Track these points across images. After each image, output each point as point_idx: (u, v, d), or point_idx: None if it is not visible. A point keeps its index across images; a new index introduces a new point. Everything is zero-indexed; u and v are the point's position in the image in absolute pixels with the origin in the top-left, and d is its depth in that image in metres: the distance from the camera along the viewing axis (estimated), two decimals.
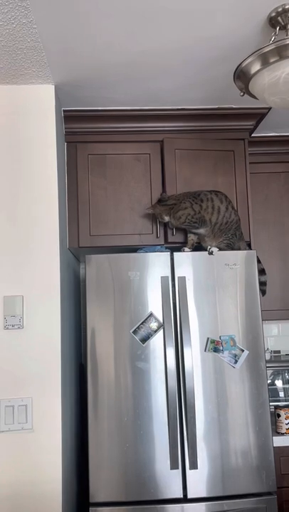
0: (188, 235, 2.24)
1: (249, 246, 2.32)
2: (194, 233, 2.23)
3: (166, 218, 2.22)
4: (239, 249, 2.20)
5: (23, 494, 1.83)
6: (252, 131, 2.44)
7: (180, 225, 2.20)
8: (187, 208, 2.17)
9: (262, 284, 2.16)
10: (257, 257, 2.13)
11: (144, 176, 2.34)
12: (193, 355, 2.00)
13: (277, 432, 2.21)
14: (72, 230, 2.28)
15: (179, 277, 2.07)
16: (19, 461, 1.85)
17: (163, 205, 2.21)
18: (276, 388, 2.67)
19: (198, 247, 2.24)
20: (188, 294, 2.05)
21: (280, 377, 2.68)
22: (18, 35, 1.71)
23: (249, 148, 2.44)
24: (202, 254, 2.11)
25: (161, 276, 2.06)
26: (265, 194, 2.65)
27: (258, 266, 2.13)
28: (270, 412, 2.03)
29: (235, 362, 2.02)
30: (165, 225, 2.31)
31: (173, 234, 2.29)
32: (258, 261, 2.14)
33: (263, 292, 2.19)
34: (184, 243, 2.26)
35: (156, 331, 2.02)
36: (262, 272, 2.19)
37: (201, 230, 2.20)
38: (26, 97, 2.05)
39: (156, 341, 2.02)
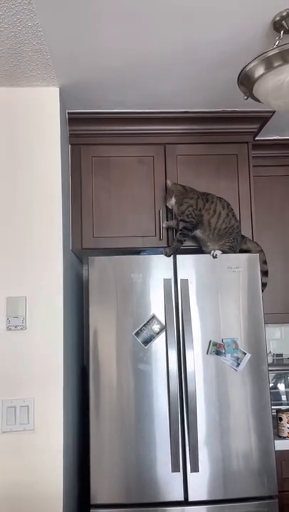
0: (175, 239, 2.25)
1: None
2: (191, 236, 2.22)
3: (173, 201, 2.22)
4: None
5: (24, 495, 1.83)
6: (256, 134, 2.45)
7: (180, 214, 2.20)
8: (193, 199, 2.20)
9: (262, 285, 2.15)
10: (264, 258, 2.12)
11: (147, 178, 2.34)
12: (195, 358, 2.00)
13: (278, 436, 2.21)
14: (76, 231, 2.29)
15: (181, 280, 2.07)
16: (20, 462, 1.85)
17: (181, 185, 2.24)
18: (278, 392, 2.66)
19: (200, 250, 2.24)
20: (191, 296, 2.05)
21: (283, 380, 2.68)
22: (23, 37, 1.72)
23: (253, 151, 2.44)
24: (205, 257, 2.11)
25: (164, 279, 2.07)
26: (269, 197, 2.65)
27: (263, 267, 2.13)
28: (271, 415, 2.02)
29: (238, 365, 2.02)
30: (168, 228, 2.31)
31: (174, 237, 2.30)
32: (264, 262, 2.13)
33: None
34: (185, 246, 2.25)
35: (158, 333, 2.02)
36: (265, 273, 2.19)
37: (197, 232, 2.20)
38: (31, 99, 2.06)
39: (159, 343, 2.02)
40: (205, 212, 2.18)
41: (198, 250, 2.24)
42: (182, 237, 2.16)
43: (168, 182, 2.28)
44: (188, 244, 2.25)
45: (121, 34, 1.73)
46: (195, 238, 2.25)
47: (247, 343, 2.04)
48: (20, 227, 1.99)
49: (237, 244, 2.20)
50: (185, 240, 2.17)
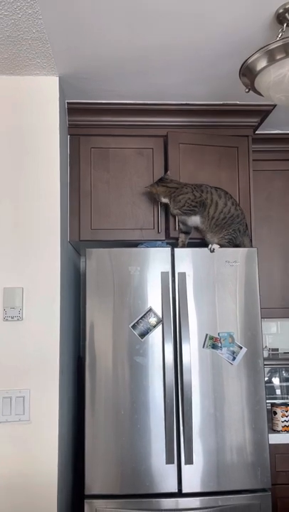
0: (180, 235, 2.25)
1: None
2: (187, 232, 2.23)
3: (165, 200, 2.21)
4: (243, 243, 2.20)
5: (19, 485, 1.84)
6: (256, 128, 2.43)
7: (179, 209, 2.19)
8: (188, 193, 2.18)
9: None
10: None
11: (146, 170, 2.33)
12: (192, 351, 2.00)
13: (273, 430, 2.22)
14: (74, 223, 2.28)
15: (179, 273, 2.06)
16: (16, 452, 1.86)
17: (163, 185, 2.21)
18: (273, 386, 2.67)
19: (199, 244, 2.24)
20: (188, 290, 2.05)
21: (278, 374, 2.69)
22: (23, 25, 1.69)
23: (253, 145, 2.43)
24: (203, 251, 2.11)
25: (162, 272, 2.06)
26: (268, 191, 2.64)
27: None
28: (266, 409, 2.03)
29: (233, 359, 2.03)
30: (166, 220, 2.30)
31: (175, 229, 2.29)
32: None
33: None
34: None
35: (155, 326, 2.02)
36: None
37: (197, 218, 2.19)
38: (30, 88, 2.04)
39: (155, 336, 2.02)
40: (205, 200, 2.18)
41: (197, 244, 2.23)
42: (182, 234, 2.22)
43: (147, 188, 2.23)
44: (191, 236, 2.25)
45: (122, 25, 1.70)
46: (197, 229, 2.25)
47: (243, 337, 2.05)
48: (18, 218, 1.98)
49: (239, 234, 2.19)
50: (190, 214, 2.19)
